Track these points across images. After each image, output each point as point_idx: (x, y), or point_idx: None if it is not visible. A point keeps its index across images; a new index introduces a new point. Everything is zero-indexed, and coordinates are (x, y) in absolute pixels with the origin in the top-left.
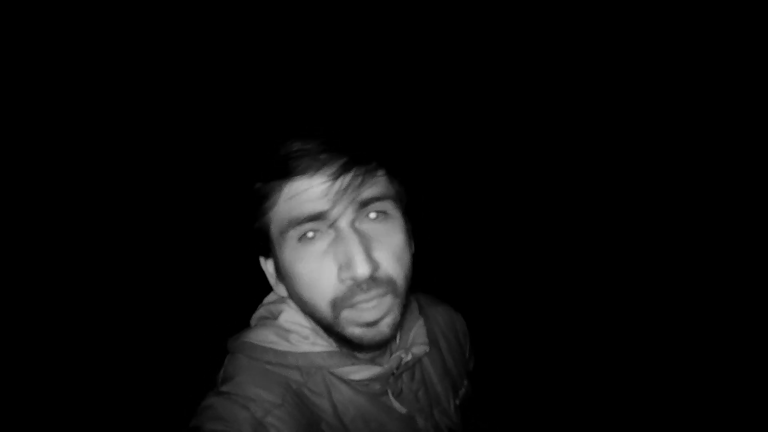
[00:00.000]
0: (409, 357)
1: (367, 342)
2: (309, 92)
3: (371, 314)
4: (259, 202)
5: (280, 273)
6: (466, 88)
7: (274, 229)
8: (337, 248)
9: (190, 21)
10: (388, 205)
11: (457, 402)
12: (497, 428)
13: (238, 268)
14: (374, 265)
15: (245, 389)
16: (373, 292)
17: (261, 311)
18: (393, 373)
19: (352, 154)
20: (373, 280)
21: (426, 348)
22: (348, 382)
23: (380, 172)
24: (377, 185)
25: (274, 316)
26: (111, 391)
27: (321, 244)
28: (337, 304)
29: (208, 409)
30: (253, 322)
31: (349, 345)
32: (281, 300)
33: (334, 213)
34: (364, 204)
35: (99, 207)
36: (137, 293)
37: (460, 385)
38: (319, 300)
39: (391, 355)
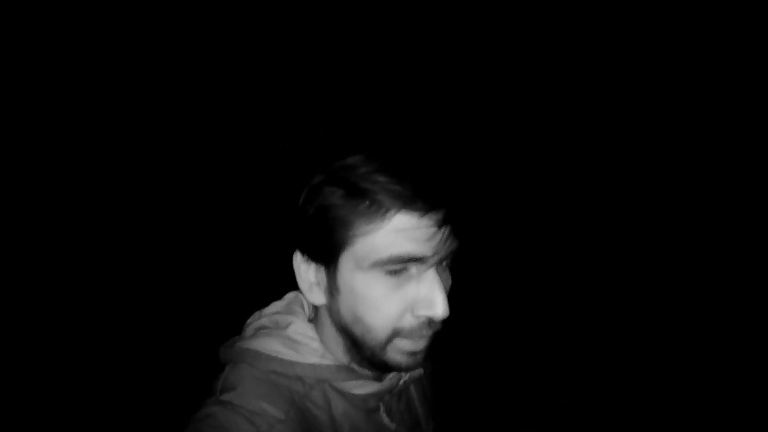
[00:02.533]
0: (407, 377)
1: (404, 368)
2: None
3: (419, 346)
4: (350, 220)
5: (334, 286)
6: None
7: (360, 252)
8: (419, 287)
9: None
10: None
11: (433, 426)
12: None
13: (233, 274)
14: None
15: (249, 401)
16: (434, 330)
17: (263, 321)
18: (391, 391)
19: (446, 209)
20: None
21: (421, 371)
22: (346, 397)
23: (455, 230)
24: (455, 242)
25: (281, 327)
26: (106, 392)
27: (401, 279)
28: (398, 333)
29: (209, 418)
30: (249, 331)
31: (374, 366)
32: (287, 311)
33: (432, 260)
34: (447, 257)
35: (97, 204)
36: (131, 296)
37: (435, 411)
38: (381, 326)
39: (387, 375)
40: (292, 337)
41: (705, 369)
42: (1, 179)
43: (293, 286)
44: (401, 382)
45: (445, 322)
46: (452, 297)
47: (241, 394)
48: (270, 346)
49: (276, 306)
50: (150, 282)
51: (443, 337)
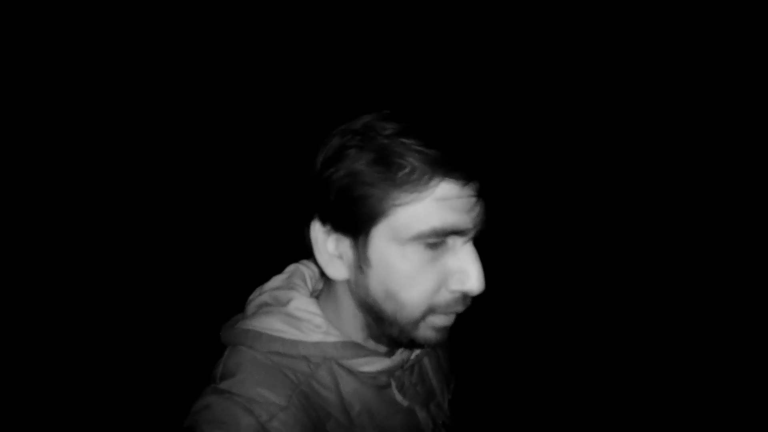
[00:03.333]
0: (418, 351)
1: (433, 343)
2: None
3: (450, 320)
4: (384, 188)
5: (365, 259)
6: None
7: (398, 222)
8: (454, 260)
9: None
10: None
11: (449, 397)
12: (486, 423)
13: (228, 256)
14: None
15: (248, 389)
16: (466, 304)
17: (263, 297)
18: (401, 366)
19: (485, 178)
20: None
21: None
22: (355, 374)
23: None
24: (488, 215)
25: (282, 303)
26: (107, 387)
27: (437, 252)
28: (433, 309)
29: (206, 409)
30: (250, 309)
31: (395, 343)
32: (288, 285)
33: (471, 233)
34: (481, 230)
35: (98, 202)
36: (129, 287)
37: (451, 380)
38: (417, 301)
39: (398, 350)
40: (293, 313)
41: (705, 369)
42: (1, 179)
43: (298, 256)
44: (412, 356)
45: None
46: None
47: (239, 381)
48: (271, 324)
49: (276, 280)
50: (149, 256)
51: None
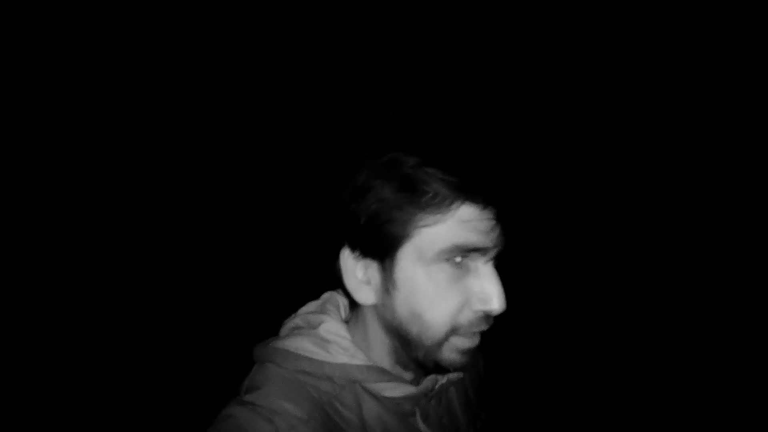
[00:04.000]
0: (445, 380)
1: (458, 367)
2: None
3: (473, 343)
4: (408, 211)
5: (392, 281)
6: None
7: (423, 242)
8: (478, 281)
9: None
10: None
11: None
12: None
13: (267, 273)
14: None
15: (271, 401)
16: (488, 325)
17: (296, 321)
18: (426, 395)
19: (502, 201)
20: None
21: (460, 374)
22: (379, 399)
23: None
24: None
25: (313, 326)
26: (129, 396)
27: (461, 272)
28: (456, 330)
29: (229, 419)
30: (284, 331)
31: (420, 367)
32: (321, 310)
33: (491, 252)
34: (502, 250)
35: (104, 202)
36: (161, 298)
37: (479, 416)
38: (441, 321)
39: (424, 378)
40: (322, 336)
41: (705, 369)
42: (1, 179)
43: (332, 286)
44: (437, 385)
45: (497, 319)
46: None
47: (263, 395)
48: (300, 344)
49: (311, 306)
50: (196, 281)
51: (490, 339)
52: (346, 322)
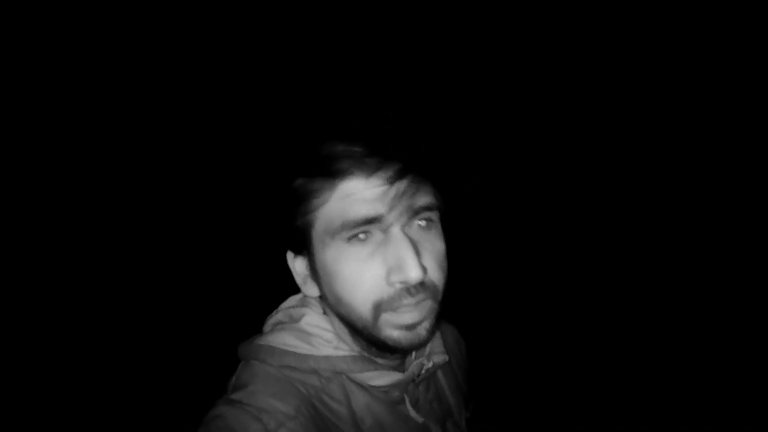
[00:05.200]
0: (430, 364)
1: (404, 345)
2: (352, 94)
3: (412, 317)
4: (304, 198)
5: (316, 272)
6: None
7: (320, 227)
8: (387, 252)
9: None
10: (433, 215)
11: (467, 416)
12: None
13: (247, 272)
14: (424, 271)
15: (258, 399)
16: (419, 297)
17: (278, 316)
18: (413, 381)
19: (405, 160)
20: (421, 284)
21: (445, 357)
22: (367, 389)
23: (426, 182)
24: (427, 194)
25: (295, 320)
26: (118, 396)
27: (369, 247)
28: (381, 307)
29: (218, 418)
30: (267, 327)
31: (380, 349)
32: (302, 303)
33: (390, 218)
34: (416, 212)
35: (101, 204)
36: (146, 296)
37: (470, 399)
38: (362, 301)
39: (410, 364)
40: (305, 329)
41: (705, 369)
42: (1, 179)
43: None
44: (423, 370)
45: (470, 293)
46: (456, 259)
47: (250, 393)
48: (283, 339)
49: (292, 300)
50: (180, 280)
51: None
52: (325, 313)
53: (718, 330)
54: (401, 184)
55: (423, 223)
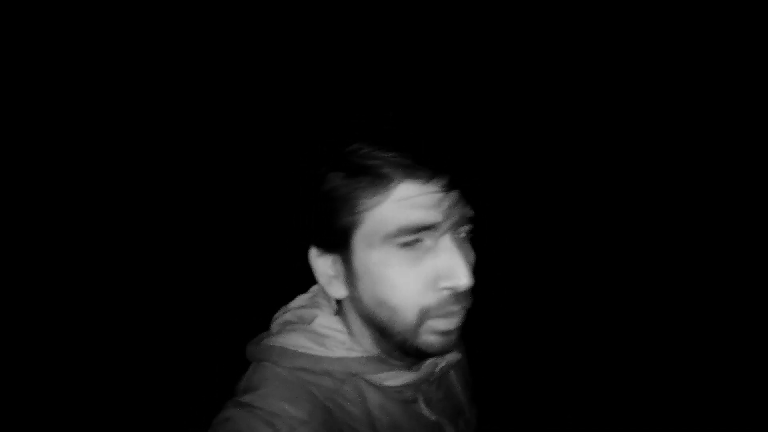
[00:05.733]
0: (444, 363)
1: (438, 350)
2: (395, 97)
3: (453, 323)
4: (351, 198)
5: (353, 273)
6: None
7: (368, 228)
8: (438, 259)
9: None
10: (470, 228)
11: (476, 413)
12: None
13: (249, 271)
14: (472, 278)
15: (270, 403)
16: (463, 304)
17: (287, 316)
18: (427, 380)
19: (455, 171)
20: (467, 291)
21: (459, 355)
22: (381, 389)
23: (467, 195)
24: (469, 206)
25: (306, 321)
26: (121, 397)
27: (418, 252)
28: (428, 313)
29: (227, 422)
30: (275, 327)
31: (407, 354)
32: (312, 304)
33: (445, 226)
34: (462, 223)
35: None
36: (145, 298)
37: (476, 396)
38: (410, 306)
39: (423, 363)
40: (317, 331)
41: (705, 369)
42: (1, 179)
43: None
44: (438, 369)
45: (475, 296)
46: (480, 272)
47: (262, 395)
48: (295, 341)
49: (301, 300)
50: (179, 279)
51: (476, 318)
52: (337, 314)
53: (719, 330)
54: (453, 195)
55: (464, 234)
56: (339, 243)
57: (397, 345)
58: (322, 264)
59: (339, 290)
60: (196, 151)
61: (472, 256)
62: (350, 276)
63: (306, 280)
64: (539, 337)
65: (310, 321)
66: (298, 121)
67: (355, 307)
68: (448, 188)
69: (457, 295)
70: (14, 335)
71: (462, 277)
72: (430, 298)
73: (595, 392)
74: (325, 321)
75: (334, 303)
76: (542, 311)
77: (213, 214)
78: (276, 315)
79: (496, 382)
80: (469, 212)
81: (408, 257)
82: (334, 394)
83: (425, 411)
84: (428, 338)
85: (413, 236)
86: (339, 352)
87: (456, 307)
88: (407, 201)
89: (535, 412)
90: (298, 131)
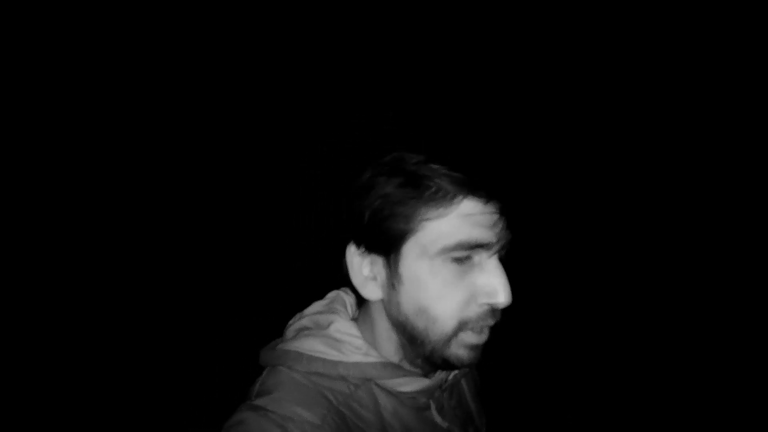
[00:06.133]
0: (457, 371)
1: (465, 363)
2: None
3: (483, 338)
4: (416, 206)
5: (397, 276)
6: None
7: (426, 238)
8: (483, 275)
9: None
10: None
11: (485, 422)
12: None
13: (269, 276)
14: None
15: (283, 406)
16: (496, 320)
17: (303, 322)
18: (440, 387)
19: (504, 196)
20: (501, 310)
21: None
22: (395, 395)
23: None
24: (510, 231)
25: (322, 327)
26: (130, 399)
27: (465, 267)
28: (466, 325)
29: (240, 425)
30: (290, 332)
31: (431, 364)
32: (329, 310)
33: (495, 247)
34: (507, 246)
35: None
36: (162, 299)
37: (486, 405)
38: (448, 315)
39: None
40: (334, 336)
41: (705, 369)
42: (1, 179)
43: (333, 285)
44: (451, 377)
45: (504, 313)
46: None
47: (275, 399)
48: (312, 346)
49: (317, 306)
50: (191, 285)
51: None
52: (354, 320)
53: (718, 330)
54: (504, 218)
55: (503, 255)
56: (387, 247)
57: (424, 353)
58: (360, 263)
59: (374, 292)
60: (215, 154)
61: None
62: (392, 280)
63: (321, 288)
64: (539, 337)
65: (327, 326)
66: (326, 123)
67: (387, 312)
68: (501, 212)
69: (495, 311)
70: (25, 338)
71: (502, 296)
72: (469, 312)
73: (595, 392)
74: (342, 326)
75: (351, 309)
76: (542, 312)
77: (233, 222)
78: (291, 321)
79: (495, 382)
80: (510, 236)
81: (456, 271)
82: (348, 398)
83: (437, 418)
84: (458, 351)
85: (467, 252)
86: (355, 357)
87: (490, 322)
88: (470, 218)
89: (536, 413)
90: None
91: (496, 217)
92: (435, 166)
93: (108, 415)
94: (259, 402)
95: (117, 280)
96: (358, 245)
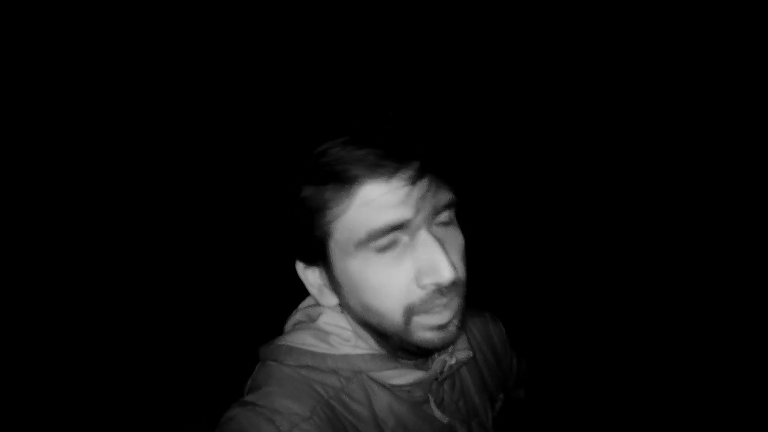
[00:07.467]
0: (454, 361)
1: (438, 345)
2: (352, 96)
3: (444, 317)
4: (318, 209)
5: (336, 282)
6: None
7: (341, 237)
8: (416, 254)
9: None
10: (452, 211)
11: (494, 415)
12: None
13: (271, 275)
14: (455, 270)
15: (272, 400)
16: (450, 296)
17: (297, 315)
18: (437, 379)
19: (422, 159)
20: (453, 284)
21: (470, 353)
22: (389, 388)
23: (443, 178)
24: (446, 191)
25: (312, 319)
26: (136, 399)
27: (396, 251)
28: (413, 310)
29: (231, 421)
30: (288, 327)
31: (410, 353)
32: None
33: (417, 221)
34: (439, 211)
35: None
36: (163, 301)
37: (497, 398)
38: (392, 307)
39: (433, 361)
40: (322, 328)
41: (705, 369)
42: (1, 179)
43: None
44: (446, 367)
45: (470, 282)
46: (475, 255)
47: (264, 394)
48: (301, 339)
49: (310, 299)
50: (202, 284)
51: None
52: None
53: (718, 330)
54: (423, 184)
55: (445, 219)
56: (317, 255)
57: (396, 345)
58: (311, 275)
59: (330, 299)
60: (215, 154)
61: (460, 240)
62: (335, 285)
63: None
64: (539, 337)
65: (316, 318)
66: (275, 127)
67: (348, 313)
68: (416, 178)
69: (441, 289)
70: (25, 338)
71: (443, 271)
72: (413, 297)
73: (595, 392)
74: (330, 318)
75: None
76: (541, 309)
77: (239, 221)
78: (290, 317)
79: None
80: (446, 197)
81: (386, 259)
82: (339, 392)
83: (436, 412)
84: (423, 335)
85: (386, 238)
86: (343, 349)
87: (442, 300)
88: (372, 203)
89: (536, 413)
90: (277, 138)
91: (407, 189)
92: (343, 153)
93: (108, 415)
94: (249, 398)
95: (117, 280)
96: (300, 258)
